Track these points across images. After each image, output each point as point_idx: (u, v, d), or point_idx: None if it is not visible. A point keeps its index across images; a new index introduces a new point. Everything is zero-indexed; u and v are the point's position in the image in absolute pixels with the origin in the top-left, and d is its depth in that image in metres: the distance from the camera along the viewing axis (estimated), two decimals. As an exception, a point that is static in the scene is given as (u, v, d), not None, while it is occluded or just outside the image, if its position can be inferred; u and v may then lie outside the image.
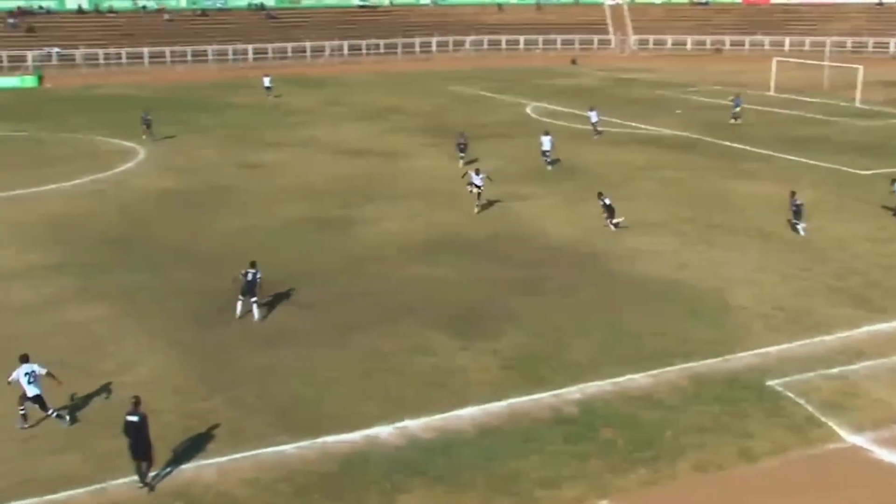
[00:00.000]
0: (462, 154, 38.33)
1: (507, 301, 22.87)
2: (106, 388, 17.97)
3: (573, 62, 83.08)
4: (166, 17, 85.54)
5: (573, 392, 17.97)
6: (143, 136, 44.09)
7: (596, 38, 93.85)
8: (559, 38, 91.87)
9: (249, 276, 21.81)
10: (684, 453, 15.80)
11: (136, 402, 14.89)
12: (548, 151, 37.73)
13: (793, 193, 28.86)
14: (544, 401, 17.65)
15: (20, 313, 21.95)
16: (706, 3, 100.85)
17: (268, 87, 59.99)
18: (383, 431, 16.46)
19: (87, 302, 22.69)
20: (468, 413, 17.14)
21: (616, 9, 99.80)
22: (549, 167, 37.71)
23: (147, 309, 22.32)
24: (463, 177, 32.59)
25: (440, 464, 15.46)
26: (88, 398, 17.66)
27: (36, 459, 15.50)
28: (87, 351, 19.79)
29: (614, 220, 29.21)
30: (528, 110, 55.41)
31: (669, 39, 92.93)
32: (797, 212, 28.59)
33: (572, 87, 66.53)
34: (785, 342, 20.31)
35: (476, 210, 31.13)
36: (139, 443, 14.58)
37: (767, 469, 15.46)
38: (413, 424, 16.70)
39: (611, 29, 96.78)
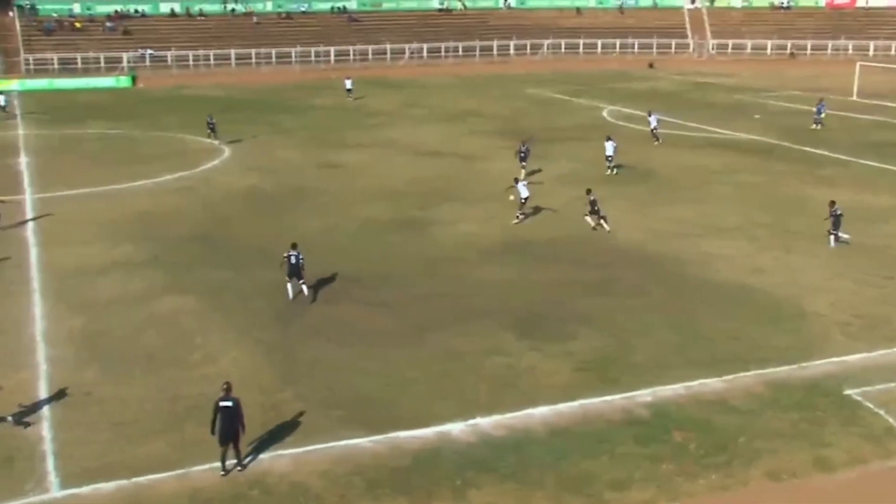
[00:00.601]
0: (523, 163, 36.68)
1: (579, 303, 22.72)
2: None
3: (650, 66, 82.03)
4: (255, 20, 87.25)
5: (645, 394, 17.76)
6: (208, 140, 44.04)
7: (674, 41, 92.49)
8: (637, 41, 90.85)
9: (293, 259, 22.70)
10: (758, 460, 15.47)
11: (228, 387, 15.25)
12: (610, 156, 37.10)
13: (832, 203, 27.83)
14: (615, 402, 17.49)
15: (112, 307, 22.62)
16: (787, 7, 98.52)
17: (349, 90, 60.68)
18: (455, 428, 16.51)
19: (174, 296, 23.27)
20: (539, 412, 17.09)
21: (695, 12, 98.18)
22: (613, 171, 37.11)
23: (230, 304, 22.80)
24: (508, 189, 31.10)
25: (511, 462, 15.44)
26: (178, 388, 18.11)
27: (128, 443, 15.97)
28: (175, 344, 20.30)
29: (601, 219, 28.96)
30: (605, 114, 54.88)
31: (749, 44, 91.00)
32: (836, 222, 27.55)
33: (649, 91, 65.64)
34: (864, 351, 19.72)
35: (516, 220, 30.13)
36: (231, 427, 14.91)
37: (844, 480, 15.04)
38: (485, 422, 16.71)
39: (689, 33, 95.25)
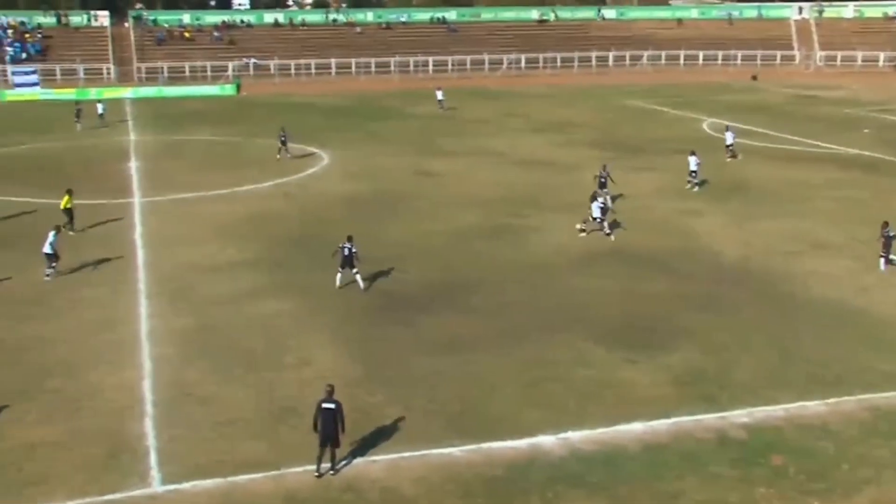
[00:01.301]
0: (604, 190, 34.03)
1: (674, 317, 22.36)
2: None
3: (754, 78, 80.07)
4: (358, 29, 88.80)
5: (741, 415, 17.35)
6: (278, 157, 42.30)
7: (779, 53, 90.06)
8: (740, 53, 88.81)
9: (346, 251, 24.04)
10: (861, 489, 14.92)
11: (331, 390, 15.54)
12: (694, 172, 36.02)
13: (885, 224, 26.44)
14: (710, 421, 17.14)
15: (213, 307, 23.30)
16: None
17: (440, 101, 60.77)
18: (546, 441, 16.44)
19: (273, 298, 23.85)
20: (632, 428, 16.88)
21: (802, 23, 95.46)
22: (694, 187, 36.06)
23: (327, 306, 23.23)
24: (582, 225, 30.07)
25: (602, 477, 15.30)
26: (275, 389, 18.57)
27: (227, 442, 16.43)
28: (273, 345, 20.81)
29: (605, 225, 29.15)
30: (705, 126, 53.83)
31: (860, 55, 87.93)
32: (887, 243, 26.03)
33: (752, 104, 64.07)
34: (978, 378, 18.82)
35: (582, 233, 29.71)
36: (332, 429, 15.20)
37: (952, 513, 14.39)
38: (575, 436, 16.60)
39: (796, 44, 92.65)
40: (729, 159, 41.92)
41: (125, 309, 23.14)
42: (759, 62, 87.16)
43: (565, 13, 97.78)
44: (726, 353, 20.21)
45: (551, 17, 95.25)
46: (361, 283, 24.14)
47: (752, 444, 16.37)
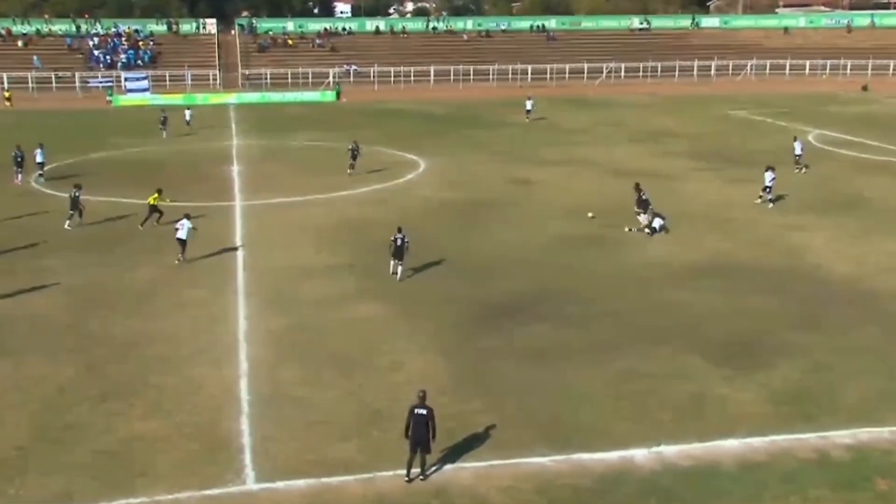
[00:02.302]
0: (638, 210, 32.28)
1: (776, 334, 21.72)
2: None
3: (864, 88, 77.30)
4: (465, 37, 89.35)
5: (843, 436, 16.74)
6: (349, 172, 40.67)
7: (892, 63, 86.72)
8: (849, 62, 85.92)
9: (398, 241, 25.81)
10: (971, 519, 14.21)
11: (424, 396, 15.63)
12: (768, 187, 34.39)
13: None
14: (811, 441, 16.59)
15: (309, 309, 23.76)
16: None
17: (528, 110, 59.86)
18: (638, 454, 16.19)
19: (367, 302, 24.18)
20: (728, 445, 16.47)
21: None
22: (770, 204, 34.53)
23: (420, 312, 23.41)
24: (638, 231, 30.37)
25: (695, 494, 14.96)
26: (366, 393, 18.81)
27: (319, 444, 16.71)
28: (365, 349, 21.08)
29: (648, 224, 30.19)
30: (811, 138, 52.15)
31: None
32: None
33: (861, 115, 61.84)
34: None
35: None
36: (422, 435, 15.31)
37: None
38: (669, 450, 16.29)
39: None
40: (796, 171, 40.71)
41: (225, 309, 23.79)
42: (869, 72, 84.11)
43: (666, 21, 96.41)
44: (830, 373, 19.53)
45: (644, 24, 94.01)
46: (400, 274, 25.89)
47: (855, 466, 15.77)
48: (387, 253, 26.30)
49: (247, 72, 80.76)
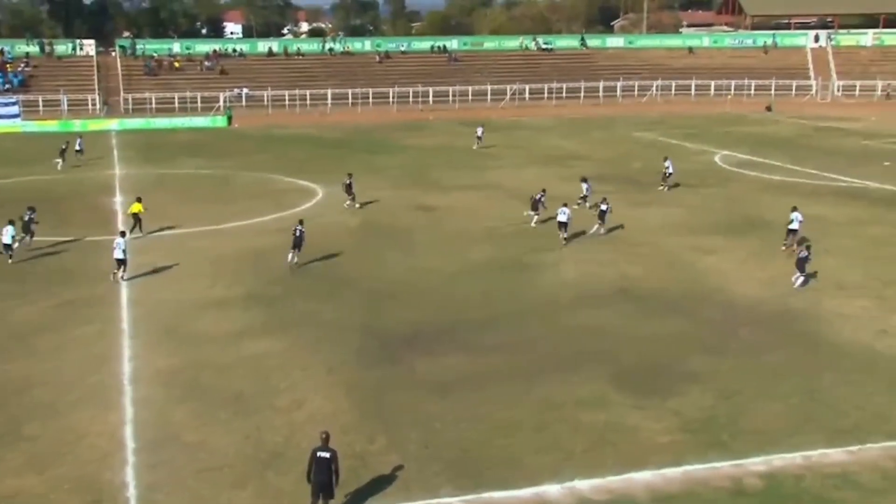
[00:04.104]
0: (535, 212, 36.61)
1: (688, 359, 22.36)
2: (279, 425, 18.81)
3: (768, 109, 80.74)
4: (378, 59, 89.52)
5: (757, 463, 17.29)
6: (346, 205, 40.19)
7: (794, 83, 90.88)
8: (753, 83, 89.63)
9: (297, 233, 29.72)
10: (883, 540, 14.84)
11: (327, 437, 15.47)
12: (794, 230, 32.99)
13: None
14: (724, 470, 17.06)
15: (202, 346, 23.34)
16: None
17: (479, 137, 59.56)
18: (552, 490, 16.37)
19: (265, 335, 23.91)
20: (642, 477, 16.80)
21: (819, 52, 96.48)
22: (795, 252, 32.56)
23: (322, 345, 23.26)
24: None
25: (610, 528, 15.21)
26: (264, 433, 18.52)
27: (213, 491, 16.36)
28: (264, 386, 20.79)
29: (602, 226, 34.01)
30: (717, 159, 54.15)
31: (879, 84, 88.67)
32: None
33: (766, 136, 64.54)
34: None
35: (563, 238, 33.43)
36: (326, 479, 15.13)
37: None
38: (583, 485, 16.52)
39: (812, 73, 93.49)
40: (660, 188, 43.67)
41: (110, 348, 23.15)
42: (773, 92, 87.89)
43: (570, 41, 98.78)
44: (741, 398, 20.17)
45: (532, 45, 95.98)
46: (291, 258, 29.83)
47: (769, 494, 16.29)
48: (287, 284, 26.08)
49: (129, 96, 79.18)
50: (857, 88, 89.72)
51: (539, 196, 36.78)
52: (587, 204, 38.33)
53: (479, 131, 60.25)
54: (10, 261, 30.40)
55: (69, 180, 47.36)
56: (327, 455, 15.25)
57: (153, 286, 28.49)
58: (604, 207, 34.83)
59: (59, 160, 51.12)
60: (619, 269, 30.35)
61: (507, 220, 37.68)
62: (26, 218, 32.82)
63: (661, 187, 43.78)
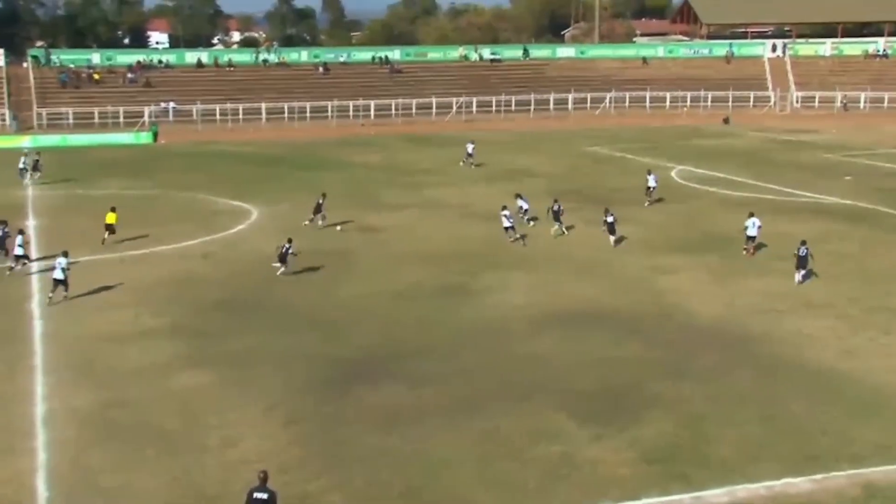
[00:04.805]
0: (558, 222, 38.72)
1: (646, 385, 22.49)
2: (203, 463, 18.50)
3: (725, 121, 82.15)
4: (321, 70, 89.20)
5: (720, 494, 17.41)
6: (316, 223, 40.32)
7: (752, 94, 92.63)
8: (710, 94, 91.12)
9: (284, 249, 32.03)
10: (852, 572, 14.99)
11: (265, 477, 15.26)
12: (752, 237, 35.50)
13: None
14: (685, 502, 17.14)
15: (124, 382, 22.90)
16: (885, 55, 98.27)
17: (469, 154, 58.45)
18: (503, 528, 16.30)
19: (194, 370, 23.56)
20: (599, 512, 16.83)
21: (777, 62, 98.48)
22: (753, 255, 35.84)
23: (255, 377, 23.00)
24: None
25: (566, 568, 15.16)
26: (193, 475, 18.18)
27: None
28: (191, 423, 20.47)
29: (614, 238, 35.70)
30: (674, 174, 54.86)
31: (839, 96, 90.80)
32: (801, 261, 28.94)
33: (725, 149, 65.63)
34: (981, 449, 19.16)
35: (512, 241, 36.39)
36: None
37: None
38: (537, 522, 16.48)
39: (770, 84, 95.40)
40: (647, 205, 44.37)
41: (20, 387, 22.60)
42: (730, 104, 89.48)
43: (517, 52, 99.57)
44: (703, 425, 20.33)
45: (474, 56, 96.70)
46: (280, 269, 32.06)
47: (732, 526, 16.41)
48: (218, 313, 25.80)
49: (44, 111, 77.90)
50: (817, 99, 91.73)
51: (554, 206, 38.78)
52: (526, 218, 39.45)
53: (470, 148, 58.63)
54: (54, 296, 29.37)
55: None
56: (265, 496, 15.02)
57: (69, 317, 27.94)
58: (556, 208, 37.62)
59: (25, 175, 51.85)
60: (574, 290, 30.51)
61: (455, 239, 37.73)
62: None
63: (646, 202, 44.71)
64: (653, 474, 18.18)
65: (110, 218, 37.06)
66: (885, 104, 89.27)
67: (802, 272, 31.31)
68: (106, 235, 36.87)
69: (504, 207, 37.14)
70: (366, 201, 46.40)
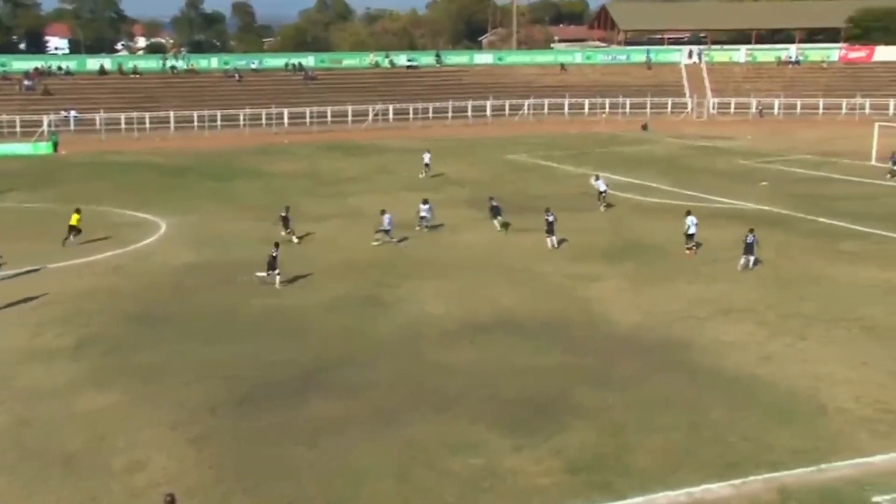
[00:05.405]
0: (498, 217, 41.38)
1: (567, 394, 22.76)
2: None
3: (644, 128, 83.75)
4: (237, 78, 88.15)
5: (641, 503, 17.71)
6: (293, 239, 39.38)
7: (670, 101, 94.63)
8: (628, 101, 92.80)
9: (272, 255, 31.85)
10: (772, 576, 15.39)
11: (171, 500, 15.08)
12: (692, 234, 37.28)
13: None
14: (608, 512, 17.46)
15: (28, 399, 22.40)
16: (797, 62, 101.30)
17: (427, 164, 58.42)
18: (424, 544, 16.35)
19: (99, 388, 23.10)
20: (521, 524, 16.99)
21: (693, 69, 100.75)
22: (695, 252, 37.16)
23: (165, 395, 22.66)
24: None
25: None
26: (102, 501, 17.83)
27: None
28: (96, 445, 20.06)
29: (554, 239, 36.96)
30: (593, 181, 55.63)
31: (754, 102, 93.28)
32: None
33: (643, 156, 66.90)
34: (894, 451, 19.82)
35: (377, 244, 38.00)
36: None
37: None
38: (458, 536, 16.56)
39: (687, 91, 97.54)
40: (603, 209, 45.76)
41: (-86, 412, 21.90)
42: (648, 110, 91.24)
43: (430, 59, 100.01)
44: (625, 433, 20.65)
45: (385, 63, 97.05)
46: (278, 284, 32.03)
47: (654, 534, 16.71)
48: (125, 330, 25.37)
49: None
50: (732, 106, 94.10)
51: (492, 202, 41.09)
52: (426, 224, 40.46)
53: (427, 157, 58.49)
54: None
55: None
56: (172, 521, 14.83)
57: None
58: (549, 218, 37.85)
59: None
60: (494, 299, 30.74)
61: (372, 249, 37.74)
62: None
63: (602, 208, 46.07)
64: (575, 484, 18.41)
65: (74, 219, 38.62)
66: (798, 110, 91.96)
67: (752, 258, 33.89)
68: (71, 237, 38.53)
69: (383, 212, 38.64)
70: (279, 211, 45.98)
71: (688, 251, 36.62)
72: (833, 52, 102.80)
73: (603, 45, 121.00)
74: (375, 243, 38.55)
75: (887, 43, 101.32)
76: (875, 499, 17.82)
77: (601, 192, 46.61)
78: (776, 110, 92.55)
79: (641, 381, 23.68)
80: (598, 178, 47.69)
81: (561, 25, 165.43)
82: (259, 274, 32.26)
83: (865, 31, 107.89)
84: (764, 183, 54.21)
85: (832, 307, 29.76)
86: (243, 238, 40.23)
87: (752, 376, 24.08)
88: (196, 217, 44.86)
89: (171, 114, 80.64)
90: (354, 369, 24.43)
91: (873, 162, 60.63)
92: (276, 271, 32.08)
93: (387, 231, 38.61)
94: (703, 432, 20.71)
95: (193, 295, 31.57)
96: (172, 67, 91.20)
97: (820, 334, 27.33)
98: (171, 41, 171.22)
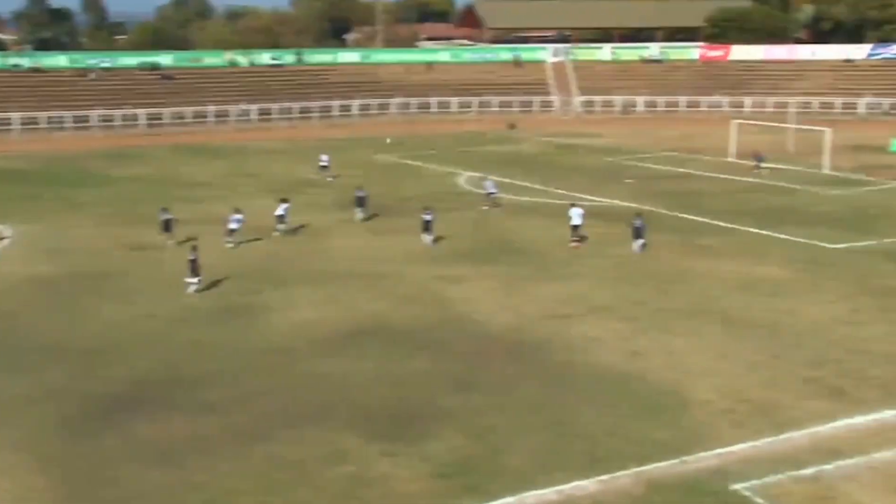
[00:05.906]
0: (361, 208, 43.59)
1: (437, 399, 22.92)
2: None
3: (511, 127, 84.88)
4: (93, 76, 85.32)
5: (511, 503, 17.97)
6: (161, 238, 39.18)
7: (537, 99, 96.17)
8: (496, 99, 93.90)
9: (192, 259, 31.62)
10: (639, 571, 15.84)
11: None
12: (577, 226, 38.55)
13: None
14: (479, 514, 17.65)
15: None
16: (659, 61, 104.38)
17: (324, 166, 57.70)
18: (292, 557, 16.21)
19: (-61, 412, 22.12)
20: (391, 531, 17.02)
21: (559, 67, 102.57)
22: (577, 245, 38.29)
23: (9, 418, 21.87)
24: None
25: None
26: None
27: None
28: (-62, 470, 19.22)
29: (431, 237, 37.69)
30: (461, 181, 56.24)
31: (618, 100, 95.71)
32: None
33: (510, 155, 67.85)
34: (751, 440, 20.65)
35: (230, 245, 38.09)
36: None
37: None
38: (327, 547, 16.49)
39: (553, 89, 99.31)
40: (487, 208, 46.44)
41: None
42: (516, 109, 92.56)
43: (293, 57, 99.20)
44: (494, 436, 20.92)
45: (243, 61, 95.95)
46: (192, 289, 31.58)
47: (525, 534, 16.97)
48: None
49: None
50: (598, 104, 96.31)
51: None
52: (283, 225, 40.55)
53: (325, 159, 57.92)
54: None
55: None
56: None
57: None
58: (427, 217, 38.69)
59: None
60: (360, 306, 30.70)
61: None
62: None
63: (485, 207, 46.53)
64: (446, 488, 18.57)
65: None
66: (660, 108, 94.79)
67: (641, 242, 36.27)
68: None
69: (237, 210, 39.02)
70: (136, 218, 44.84)
71: (573, 244, 37.69)
72: (693, 51, 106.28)
73: (470, 43, 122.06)
74: (229, 245, 38.22)
75: (742, 42, 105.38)
76: (733, 486, 18.56)
77: (489, 193, 47.07)
78: (639, 108, 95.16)
79: (510, 383, 24.04)
80: (486, 179, 48.13)
81: (427, 23, 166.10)
82: (189, 280, 31.79)
83: (722, 30, 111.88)
84: (629, 180, 55.68)
85: (694, 301, 30.85)
86: (96, 246, 39.14)
87: (619, 372, 24.74)
88: (44, 225, 43.37)
89: (15, 115, 77.70)
90: (214, 385, 23.98)
91: (731, 158, 62.99)
92: (198, 277, 31.72)
93: (233, 231, 38.51)
94: (572, 430, 21.17)
95: (42, 310, 30.49)
96: (16, 65, 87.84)
97: (684, 328, 28.29)
98: (15, 38, 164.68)
